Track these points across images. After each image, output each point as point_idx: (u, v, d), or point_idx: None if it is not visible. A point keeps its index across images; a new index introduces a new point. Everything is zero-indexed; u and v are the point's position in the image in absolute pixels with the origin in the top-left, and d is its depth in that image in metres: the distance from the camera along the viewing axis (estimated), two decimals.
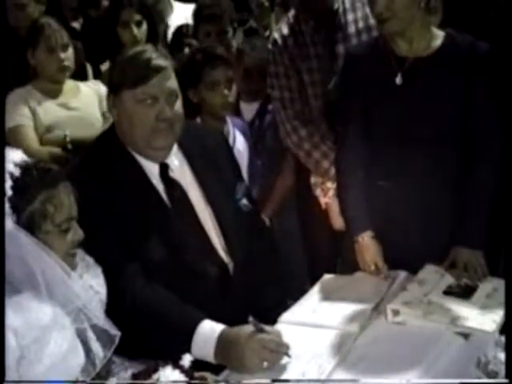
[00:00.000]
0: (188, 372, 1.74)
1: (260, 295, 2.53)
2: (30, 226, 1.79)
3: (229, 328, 2.16)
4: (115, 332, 1.88)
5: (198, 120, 3.34)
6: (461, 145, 2.64)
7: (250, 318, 2.12)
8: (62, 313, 1.83)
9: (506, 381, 1.79)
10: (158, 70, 2.34)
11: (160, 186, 2.40)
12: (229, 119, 3.44)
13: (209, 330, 2.16)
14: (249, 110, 3.72)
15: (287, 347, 2.10)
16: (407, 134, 2.62)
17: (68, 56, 3.52)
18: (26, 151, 3.29)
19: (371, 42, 2.84)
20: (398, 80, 2.62)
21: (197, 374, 1.76)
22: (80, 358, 1.84)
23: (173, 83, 2.38)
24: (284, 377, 2.04)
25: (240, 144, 3.46)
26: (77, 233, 1.91)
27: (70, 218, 1.88)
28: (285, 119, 3.35)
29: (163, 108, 2.34)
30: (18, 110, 3.44)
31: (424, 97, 2.61)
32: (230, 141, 3.38)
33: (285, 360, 2.09)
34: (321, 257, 3.43)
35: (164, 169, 2.43)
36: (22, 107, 3.45)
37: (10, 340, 1.70)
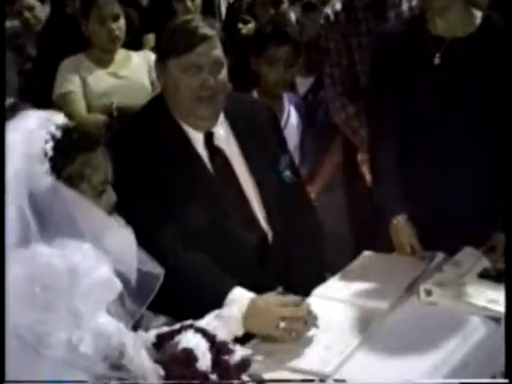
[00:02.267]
0: (210, 337, 1.75)
1: (298, 268, 2.54)
2: (68, 186, 1.84)
3: (259, 296, 2.18)
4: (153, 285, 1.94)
5: (255, 94, 3.38)
6: (499, 126, 2.60)
7: (279, 288, 2.15)
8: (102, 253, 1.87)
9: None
10: (204, 39, 2.36)
11: (204, 154, 2.43)
12: (284, 94, 3.47)
13: (239, 296, 2.18)
14: (303, 84, 3.73)
15: (315, 318, 2.12)
16: (445, 115, 2.59)
17: (119, 26, 3.60)
18: (74, 117, 3.43)
19: (406, 21, 2.80)
20: (437, 60, 2.59)
21: (219, 340, 1.78)
22: (118, 285, 1.86)
23: (218, 52, 2.39)
24: (309, 348, 2.06)
25: (294, 119, 3.49)
26: (111, 196, 1.95)
27: (106, 181, 1.93)
28: (334, 96, 3.35)
29: (207, 77, 2.36)
30: (68, 77, 3.57)
31: (462, 77, 2.58)
32: (285, 116, 3.43)
33: (312, 332, 2.12)
34: (365, 233, 3.42)
35: (209, 137, 2.45)
36: (73, 75, 3.56)
37: (59, 264, 1.74)
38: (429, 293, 2.32)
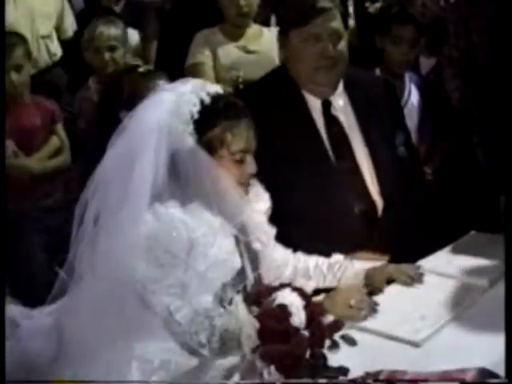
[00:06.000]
0: (305, 297, 1.84)
1: (405, 241, 2.56)
2: (208, 148, 1.98)
3: None
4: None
5: (378, 71, 3.49)
6: None
7: None
8: (227, 224, 2.02)
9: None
10: (322, 11, 2.50)
11: (320, 121, 2.56)
12: (406, 73, 3.55)
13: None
14: (427, 64, 3.77)
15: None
16: None
17: (249, 2, 3.75)
18: None
19: None
20: None
21: (315, 299, 1.88)
22: (236, 263, 2.04)
23: (337, 24, 2.53)
24: (402, 319, 2.11)
25: (415, 98, 3.56)
26: (250, 166, 2.05)
27: (246, 150, 2.03)
28: (449, 77, 3.37)
29: (326, 46, 2.50)
30: (200, 48, 3.76)
31: None
32: (406, 94, 3.52)
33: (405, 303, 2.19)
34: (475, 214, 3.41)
35: (327, 105, 2.58)
36: (205, 47, 3.75)
37: (182, 232, 1.90)
38: None
